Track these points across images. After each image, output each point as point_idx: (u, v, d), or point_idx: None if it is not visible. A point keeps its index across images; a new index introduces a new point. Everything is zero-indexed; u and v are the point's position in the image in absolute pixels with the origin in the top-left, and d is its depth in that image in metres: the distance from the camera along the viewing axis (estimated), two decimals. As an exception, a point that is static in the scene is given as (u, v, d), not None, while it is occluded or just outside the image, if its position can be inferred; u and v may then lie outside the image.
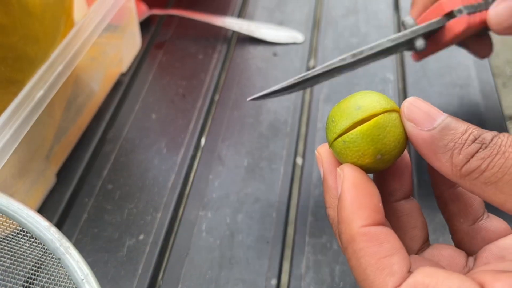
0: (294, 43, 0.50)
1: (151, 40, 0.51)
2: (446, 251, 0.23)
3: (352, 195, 0.20)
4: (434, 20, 0.34)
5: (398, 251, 0.20)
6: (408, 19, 0.34)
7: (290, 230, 0.35)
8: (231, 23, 0.51)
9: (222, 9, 0.55)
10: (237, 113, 0.43)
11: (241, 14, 0.54)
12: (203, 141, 0.41)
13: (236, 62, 0.48)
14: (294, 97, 0.44)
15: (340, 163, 0.22)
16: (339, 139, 0.21)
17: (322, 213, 0.36)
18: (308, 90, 0.45)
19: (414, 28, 0.33)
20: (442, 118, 0.20)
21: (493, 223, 0.23)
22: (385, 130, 0.21)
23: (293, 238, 0.35)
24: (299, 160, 0.40)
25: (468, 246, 0.23)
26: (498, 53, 1.43)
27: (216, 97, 0.45)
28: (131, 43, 0.49)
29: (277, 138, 0.41)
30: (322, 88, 0.45)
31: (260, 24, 0.52)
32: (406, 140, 0.21)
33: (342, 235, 0.20)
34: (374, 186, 0.21)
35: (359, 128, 0.21)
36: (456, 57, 0.47)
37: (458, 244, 0.24)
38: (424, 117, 0.20)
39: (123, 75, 0.47)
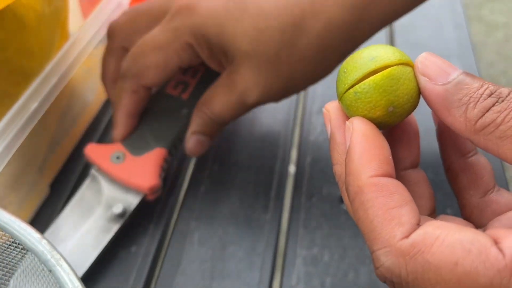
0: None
1: (146, 52, 0.52)
2: (454, 223, 0.22)
3: (361, 146, 0.20)
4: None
5: (408, 203, 0.19)
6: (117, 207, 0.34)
7: (282, 242, 0.35)
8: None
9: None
10: (231, 124, 0.44)
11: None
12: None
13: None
14: (286, 108, 0.45)
15: (349, 118, 0.22)
16: (350, 90, 0.21)
17: (314, 224, 0.36)
18: (300, 102, 0.46)
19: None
20: (457, 73, 0.20)
21: (504, 196, 0.22)
22: (399, 82, 0.20)
23: (284, 250, 0.35)
24: (291, 168, 0.40)
25: (478, 220, 0.23)
26: (493, 64, 1.44)
27: (210, 109, 0.46)
28: (126, 55, 0.49)
29: (270, 146, 0.41)
30: (314, 100, 0.46)
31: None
32: (419, 96, 0.21)
33: (350, 187, 0.20)
34: (384, 139, 0.21)
35: (372, 78, 0.20)
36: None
37: (468, 218, 0.23)
38: (438, 71, 0.20)
39: (118, 86, 0.48)
